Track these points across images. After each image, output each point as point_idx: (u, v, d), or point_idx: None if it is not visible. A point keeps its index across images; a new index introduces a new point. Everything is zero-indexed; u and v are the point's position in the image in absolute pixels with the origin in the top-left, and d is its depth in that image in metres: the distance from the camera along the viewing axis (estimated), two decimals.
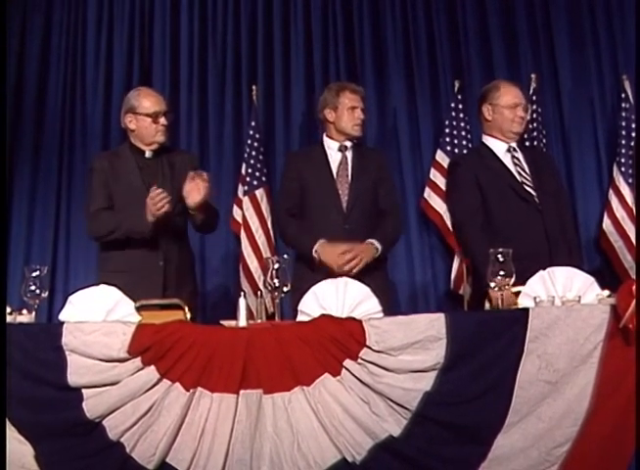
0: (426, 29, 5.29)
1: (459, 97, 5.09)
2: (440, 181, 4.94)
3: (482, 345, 2.51)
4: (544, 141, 5.02)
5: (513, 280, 2.73)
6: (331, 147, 3.79)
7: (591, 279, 2.80)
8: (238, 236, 4.99)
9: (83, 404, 2.51)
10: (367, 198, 3.70)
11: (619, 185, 4.85)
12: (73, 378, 2.53)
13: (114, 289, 2.87)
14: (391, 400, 2.48)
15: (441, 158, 5.00)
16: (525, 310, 2.55)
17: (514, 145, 3.71)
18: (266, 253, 4.85)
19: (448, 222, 4.89)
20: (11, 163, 5.09)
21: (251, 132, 5.08)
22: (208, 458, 2.48)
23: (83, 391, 2.53)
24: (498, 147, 3.69)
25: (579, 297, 2.66)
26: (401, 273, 4.90)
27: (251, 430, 2.48)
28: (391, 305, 3.80)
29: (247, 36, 5.32)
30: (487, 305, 2.95)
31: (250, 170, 5.01)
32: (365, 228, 3.66)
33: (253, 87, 5.16)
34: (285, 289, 2.82)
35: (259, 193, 4.99)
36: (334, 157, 3.77)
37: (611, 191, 4.89)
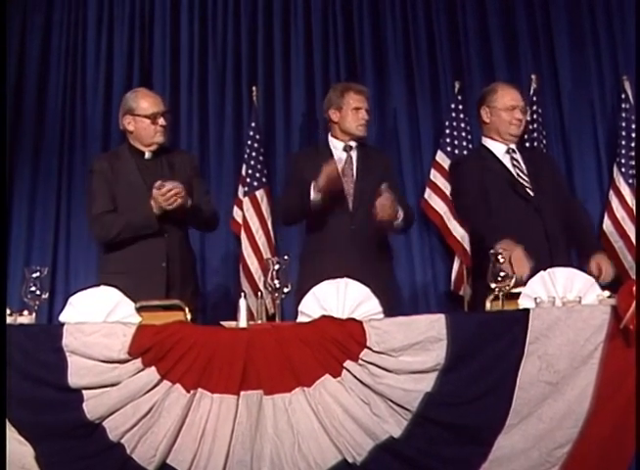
0: (426, 30, 5.29)
1: (459, 98, 5.09)
2: (441, 182, 4.94)
3: (483, 345, 2.51)
4: (544, 142, 5.02)
5: (513, 281, 2.73)
6: (336, 147, 3.79)
7: (592, 280, 2.80)
8: (238, 237, 4.99)
9: (84, 406, 2.51)
10: (373, 197, 3.67)
11: (620, 185, 4.85)
12: (74, 379, 2.53)
13: (114, 290, 2.87)
14: (392, 401, 2.48)
15: (442, 158, 5.00)
16: (526, 311, 2.55)
17: (513, 146, 3.73)
18: (266, 253, 4.85)
19: (449, 223, 4.90)
20: (11, 164, 5.09)
21: (252, 133, 5.08)
22: (209, 459, 2.48)
23: (84, 392, 2.53)
24: (497, 148, 3.71)
25: (580, 297, 2.66)
26: (402, 274, 4.89)
27: (252, 431, 2.48)
28: (396, 304, 3.82)
29: (247, 37, 5.32)
30: (488, 306, 2.94)
31: (250, 171, 5.01)
32: (371, 229, 3.66)
33: (254, 88, 5.16)
34: (285, 290, 2.81)
35: (260, 194, 4.99)
36: (339, 156, 3.77)
37: (611, 191, 4.89)
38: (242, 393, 2.50)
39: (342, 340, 2.51)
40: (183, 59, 5.32)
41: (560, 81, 5.18)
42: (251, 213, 4.94)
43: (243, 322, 2.70)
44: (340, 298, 2.76)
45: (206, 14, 5.36)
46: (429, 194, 4.97)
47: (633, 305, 2.44)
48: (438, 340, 2.50)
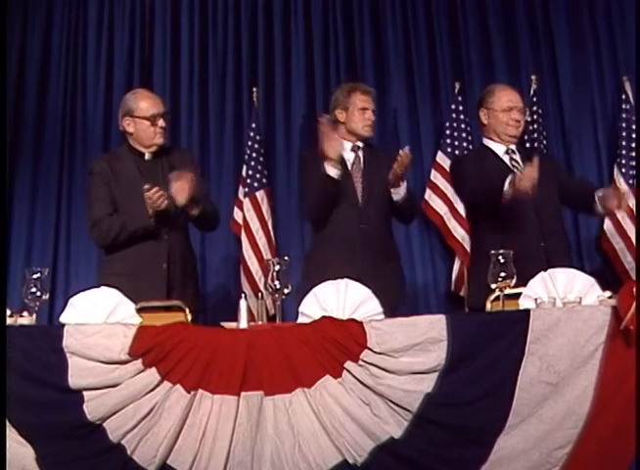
0: (426, 30, 5.28)
1: (459, 98, 5.08)
2: (441, 183, 4.93)
3: (483, 346, 2.51)
4: (544, 142, 5.02)
5: (514, 282, 2.74)
6: (344, 147, 3.79)
7: (592, 280, 2.80)
8: (238, 238, 4.99)
9: (84, 406, 2.52)
10: (381, 195, 3.70)
11: (620, 186, 4.84)
12: (74, 380, 2.53)
13: (114, 291, 2.87)
14: (392, 402, 2.48)
15: (442, 159, 5.00)
16: (526, 312, 2.55)
17: (512, 147, 3.74)
18: (267, 254, 4.85)
19: (449, 223, 4.90)
20: (11, 164, 5.09)
21: (252, 134, 5.07)
22: (209, 460, 2.48)
23: (84, 393, 2.53)
24: (497, 149, 3.73)
25: (580, 298, 2.66)
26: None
27: (252, 432, 2.48)
28: (406, 300, 3.89)
29: (247, 38, 5.31)
30: (489, 307, 2.95)
31: (250, 172, 5.01)
32: (380, 229, 3.70)
33: (254, 89, 5.16)
34: (286, 291, 2.81)
35: (260, 195, 4.98)
36: (347, 156, 3.77)
37: None
38: (242, 393, 2.50)
39: (343, 340, 2.52)
40: (183, 59, 5.31)
41: (560, 82, 5.17)
42: (251, 214, 4.94)
43: (243, 323, 2.70)
44: (340, 298, 2.76)
45: (207, 14, 5.36)
46: (429, 194, 4.97)
47: (634, 305, 2.44)
48: (439, 340, 2.50)
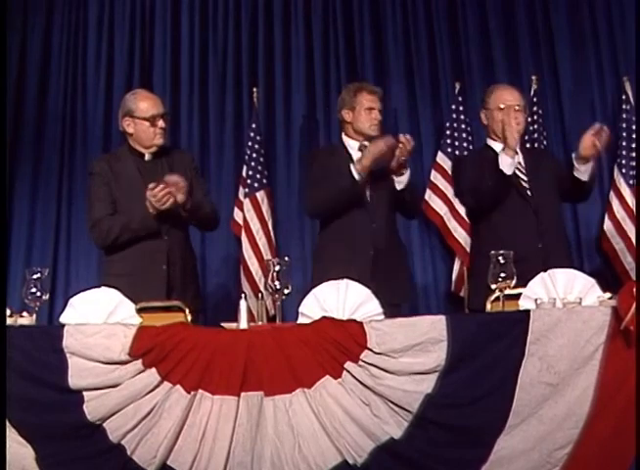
0: (426, 31, 5.28)
1: (460, 98, 5.08)
2: (441, 183, 4.94)
3: (484, 347, 2.51)
4: (545, 142, 5.02)
5: (514, 282, 2.74)
6: (351, 146, 3.79)
7: (592, 281, 2.80)
8: (239, 238, 4.99)
9: (84, 407, 2.51)
10: (387, 194, 3.72)
11: (620, 186, 4.85)
12: (74, 380, 2.53)
13: (114, 291, 2.87)
14: (392, 403, 2.48)
15: (442, 159, 5.00)
16: (527, 312, 2.55)
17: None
18: (267, 255, 4.85)
19: (449, 224, 4.90)
20: (11, 164, 5.09)
21: (252, 134, 5.07)
22: (209, 461, 2.48)
23: (84, 393, 2.53)
24: (499, 148, 3.73)
25: (580, 299, 2.66)
26: None
27: (252, 432, 2.48)
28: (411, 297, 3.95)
29: (247, 38, 5.32)
30: (489, 307, 2.95)
31: (250, 173, 5.01)
32: (388, 227, 3.73)
33: (254, 89, 5.16)
34: (286, 291, 2.81)
35: (260, 195, 4.98)
36: (354, 155, 3.77)
37: (611, 192, 4.89)
38: (242, 394, 2.50)
39: (343, 341, 2.51)
40: (184, 60, 5.32)
41: (560, 82, 5.17)
42: (251, 215, 4.94)
43: (243, 323, 2.70)
44: (340, 299, 2.76)
45: (207, 15, 5.36)
46: (429, 195, 4.97)
47: (634, 306, 2.44)
48: (439, 341, 2.50)
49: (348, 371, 2.51)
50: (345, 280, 2.83)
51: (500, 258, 2.74)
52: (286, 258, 2.90)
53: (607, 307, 2.53)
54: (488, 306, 2.95)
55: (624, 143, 4.89)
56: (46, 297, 2.85)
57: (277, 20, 5.33)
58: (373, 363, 2.50)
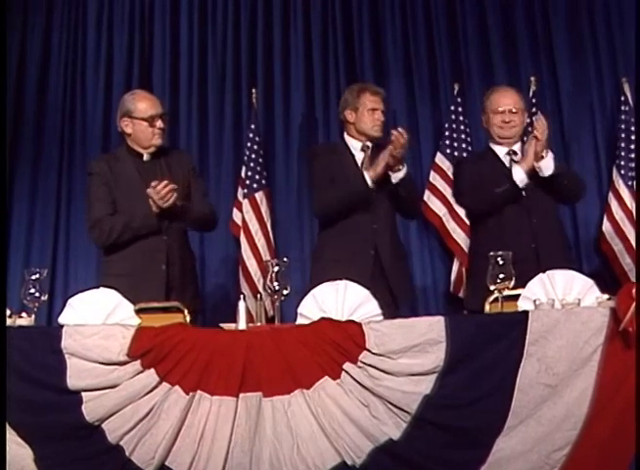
0: (425, 32, 5.29)
1: (458, 100, 5.09)
2: (440, 184, 4.94)
3: (482, 348, 2.51)
4: None
5: (513, 283, 2.74)
6: (354, 147, 3.79)
7: (591, 282, 2.80)
8: (237, 239, 4.99)
9: (82, 408, 2.51)
10: (389, 195, 3.72)
11: (619, 188, 4.85)
12: (73, 381, 2.53)
13: (113, 292, 2.87)
14: (391, 404, 2.48)
15: (441, 160, 5.01)
16: (525, 313, 2.55)
17: (514, 148, 3.75)
18: (266, 256, 4.85)
19: (448, 225, 4.90)
20: (11, 165, 5.09)
21: (251, 135, 5.07)
22: (208, 461, 2.48)
23: (83, 394, 2.53)
24: (499, 151, 3.76)
25: (579, 300, 2.66)
26: None
27: (251, 433, 2.48)
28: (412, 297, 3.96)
29: (246, 39, 5.32)
30: (487, 308, 2.95)
31: (249, 173, 5.01)
32: (390, 228, 3.74)
33: (253, 90, 5.16)
34: (285, 292, 2.81)
35: (259, 196, 4.98)
36: (357, 155, 3.78)
37: (610, 194, 4.89)
38: (241, 395, 2.50)
39: (342, 342, 2.52)
40: (183, 60, 5.32)
41: (559, 83, 5.18)
42: (250, 216, 4.94)
43: (242, 324, 2.70)
44: (339, 300, 2.76)
45: (206, 15, 5.36)
46: (428, 196, 4.97)
47: (632, 307, 2.44)
48: (438, 342, 2.50)
49: (347, 372, 2.51)
50: (344, 281, 2.83)
51: (499, 259, 2.74)
52: (285, 259, 2.90)
53: (605, 309, 2.53)
54: (487, 307, 2.95)
55: (623, 144, 4.89)
56: (45, 297, 2.86)
57: (276, 20, 5.33)
58: (372, 364, 2.50)
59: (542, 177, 3.62)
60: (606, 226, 4.85)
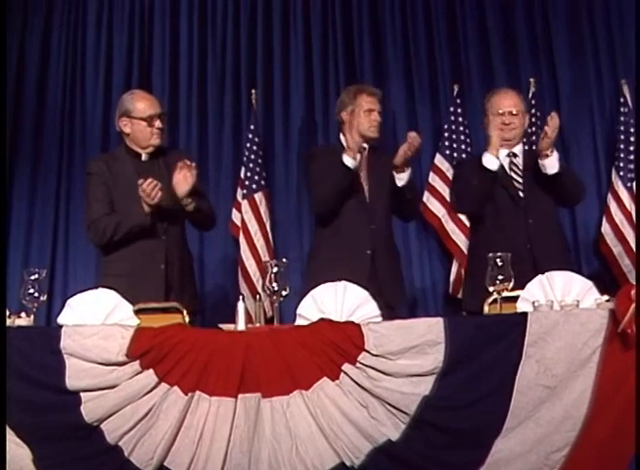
0: (425, 33, 5.29)
1: (458, 101, 5.09)
2: (439, 185, 4.94)
3: (481, 349, 2.51)
4: None
5: (512, 284, 2.74)
6: (350, 147, 3.80)
7: (589, 284, 2.80)
8: (237, 239, 4.99)
9: (81, 408, 2.51)
10: (386, 196, 3.74)
11: (618, 189, 4.85)
12: (72, 381, 2.53)
13: (112, 292, 2.87)
14: (390, 405, 2.48)
15: (440, 162, 5.00)
16: (524, 315, 2.55)
17: (515, 150, 3.75)
18: (265, 256, 4.84)
19: (447, 226, 4.90)
20: (10, 165, 5.09)
21: (251, 136, 5.07)
22: (207, 462, 2.48)
23: (81, 394, 2.53)
24: (500, 153, 3.73)
25: (578, 301, 2.66)
26: None
27: (250, 434, 2.48)
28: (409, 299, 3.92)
29: (246, 40, 5.32)
30: (486, 310, 2.96)
31: (249, 174, 5.01)
32: (386, 229, 3.76)
33: (253, 91, 5.16)
34: (284, 293, 2.81)
35: (258, 197, 4.98)
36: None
37: (609, 195, 4.90)
38: (240, 395, 2.50)
39: (341, 343, 2.52)
40: (182, 61, 5.32)
41: (559, 85, 5.17)
42: (249, 216, 4.94)
43: (241, 325, 2.70)
44: (338, 301, 2.77)
45: (206, 16, 5.36)
46: (427, 197, 4.97)
47: (631, 308, 2.44)
48: (437, 343, 2.50)
49: (346, 373, 2.51)
50: (343, 282, 2.83)
51: (498, 260, 2.74)
52: (284, 260, 2.90)
53: (604, 310, 2.54)
54: (486, 309, 2.95)
55: (622, 146, 4.89)
56: (44, 298, 2.86)
57: (276, 21, 5.33)
58: (370, 365, 2.50)
59: (545, 176, 3.62)
60: (605, 228, 4.85)
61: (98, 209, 3.55)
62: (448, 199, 4.80)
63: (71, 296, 2.88)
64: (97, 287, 2.98)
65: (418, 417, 2.47)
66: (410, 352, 2.50)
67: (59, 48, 5.31)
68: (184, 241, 3.74)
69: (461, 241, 4.81)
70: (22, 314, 2.81)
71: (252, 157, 5.03)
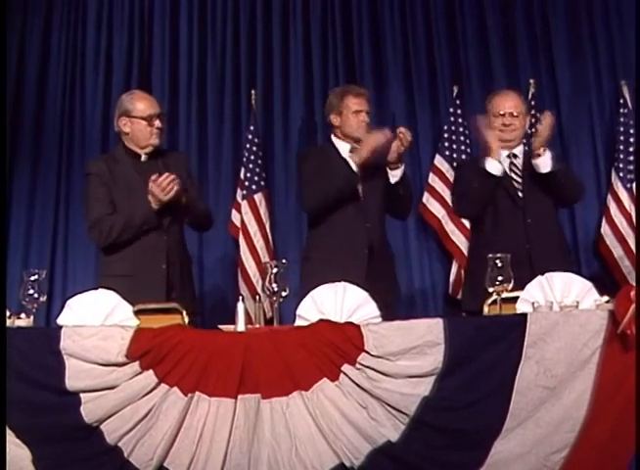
0: (425, 34, 5.29)
1: (457, 102, 5.09)
2: (439, 186, 4.94)
3: (481, 350, 2.51)
4: None
5: (511, 285, 2.74)
6: (342, 149, 3.80)
7: (589, 284, 2.80)
8: (236, 240, 4.99)
9: (81, 409, 2.51)
10: (380, 195, 3.75)
11: (618, 190, 4.86)
12: (71, 382, 2.53)
13: (112, 293, 2.87)
14: (390, 406, 2.48)
15: (440, 163, 5.01)
16: (524, 316, 2.55)
17: (515, 151, 3.76)
18: (265, 257, 4.84)
19: (447, 227, 4.90)
20: (10, 166, 5.09)
21: (250, 137, 5.07)
22: (206, 463, 2.48)
23: (81, 395, 2.53)
24: (503, 155, 3.73)
25: (577, 302, 2.66)
26: (400, 278, 4.87)
27: (249, 435, 2.48)
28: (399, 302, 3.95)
29: (246, 41, 5.32)
30: (486, 310, 2.96)
31: (248, 175, 5.01)
32: (380, 228, 3.76)
33: (252, 92, 5.16)
34: (283, 294, 2.81)
35: (258, 197, 4.98)
36: (346, 157, 3.77)
37: (609, 196, 4.90)
38: (239, 396, 2.50)
39: (340, 344, 2.52)
40: (182, 62, 5.31)
41: (558, 86, 5.17)
42: (249, 217, 4.93)
43: (241, 326, 2.70)
44: (338, 302, 2.76)
45: (206, 17, 5.36)
46: (427, 198, 4.97)
47: (631, 309, 2.44)
48: (436, 344, 2.50)
49: (346, 374, 2.51)
50: (343, 283, 2.83)
51: (497, 261, 2.74)
52: (283, 261, 2.90)
53: (604, 311, 2.54)
54: (486, 310, 2.95)
55: (622, 147, 4.89)
56: (43, 298, 2.86)
57: (276, 22, 5.33)
58: (370, 366, 2.50)
59: (540, 175, 3.63)
60: (604, 229, 4.85)
61: (100, 209, 3.55)
62: (448, 200, 4.80)
63: (71, 297, 2.88)
64: (97, 288, 2.98)
65: (417, 418, 2.47)
66: (410, 353, 2.50)
67: (59, 48, 5.31)
68: (183, 242, 3.74)
69: (461, 242, 4.82)
70: (22, 315, 2.81)
71: (252, 157, 5.03)
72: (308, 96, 5.24)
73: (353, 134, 3.78)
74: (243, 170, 5.04)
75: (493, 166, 3.63)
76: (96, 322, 2.73)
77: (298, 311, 2.80)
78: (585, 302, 2.71)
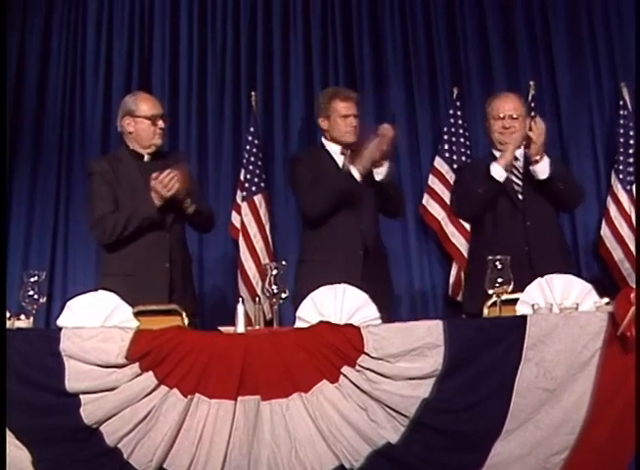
0: (425, 36, 5.29)
1: (457, 104, 5.09)
2: (439, 188, 4.94)
3: (481, 352, 2.52)
4: None
5: (511, 287, 2.74)
6: (333, 151, 3.80)
7: (589, 286, 2.80)
8: (236, 242, 4.99)
9: (81, 410, 2.51)
10: (373, 197, 3.74)
11: (617, 192, 4.85)
12: (71, 384, 2.53)
13: (111, 294, 2.87)
14: (389, 407, 2.48)
15: (440, 164, 5.01)
16: (524, 318, 2.55)
17: (515, 154, 3.75)
18: (264, 259, 4.84)
19: (446, 229, 4.90)
20: (10, 167, 5.09)
21: (250, 138, 5.07)
22: (206, 464, 2.48)
23: (81, 396, 2.53)
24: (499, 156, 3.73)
25: (577, 304, 2.66)
26: (400, 279, 4.89)
27: (249, 436, 2.48)
28: (394, 306, 3.94)
29: (246, 42, 5.32)
30: (486, 312, 2.96)
31: (248, 176, 5.01)
32: (373, 229, 3.76)
33: (252, 93, 5.16)
34: (283, 295, 2.82)
35: (258, 199, 4.98)
36: (338, 160, 3.79)
37: (609, 198, 4.90)
38: (239, 398, 2.50)
39: (340, 345, 2.52)
40: (182, 64, 5.31)
41: (558, 87, 5.17)
42: (249, 219, 4.93)
43: (240, 328, 2.71)
44: (337, 303, 2.76)
45: (206, 19, 5.36)
46: (427, 200, 4.98)
47: (631, 311, 2.44)
48: (436, 346, 2.50)
49: (345, 376, 2.51)
50: (343, 285, 2.83)
51: (497, 263, 2.75)
52: (283, 263, 2.90)
53: (604, 313, 2.54)
54: (485, 312, 2.95)
55: (622, 149, 4.89)
56: (43, 300, 2.86)
57: (276, 23, 5.33)
58: (370, 368, 2.50)
59: (538, 181, 3.63)
60: (604, 231, 4.85)
61: (104, 207, 3.54)
62: (448, 202, 4.80)
63: (71, 298, 2.88)
64: (97, 289, 2.97)
65: (417, 420, 2.47)
66: (409, 355, 2.50)
67: (59, 49, 5.31)
68: (185, 242, 3.75)
69: (461, 244, 4.82)
70: (22, 316, 2.81)
71: (252, 159, 5.03)
72: (308, 97, 5.24)
73: (342, 139, 3.77)
74: (243, 172, 5.04)
75: (498, 172, 3.62)
76: (96, 324, 2.73)
77: (298, 313, 2.81)
78: (585, 304, 2.71)
